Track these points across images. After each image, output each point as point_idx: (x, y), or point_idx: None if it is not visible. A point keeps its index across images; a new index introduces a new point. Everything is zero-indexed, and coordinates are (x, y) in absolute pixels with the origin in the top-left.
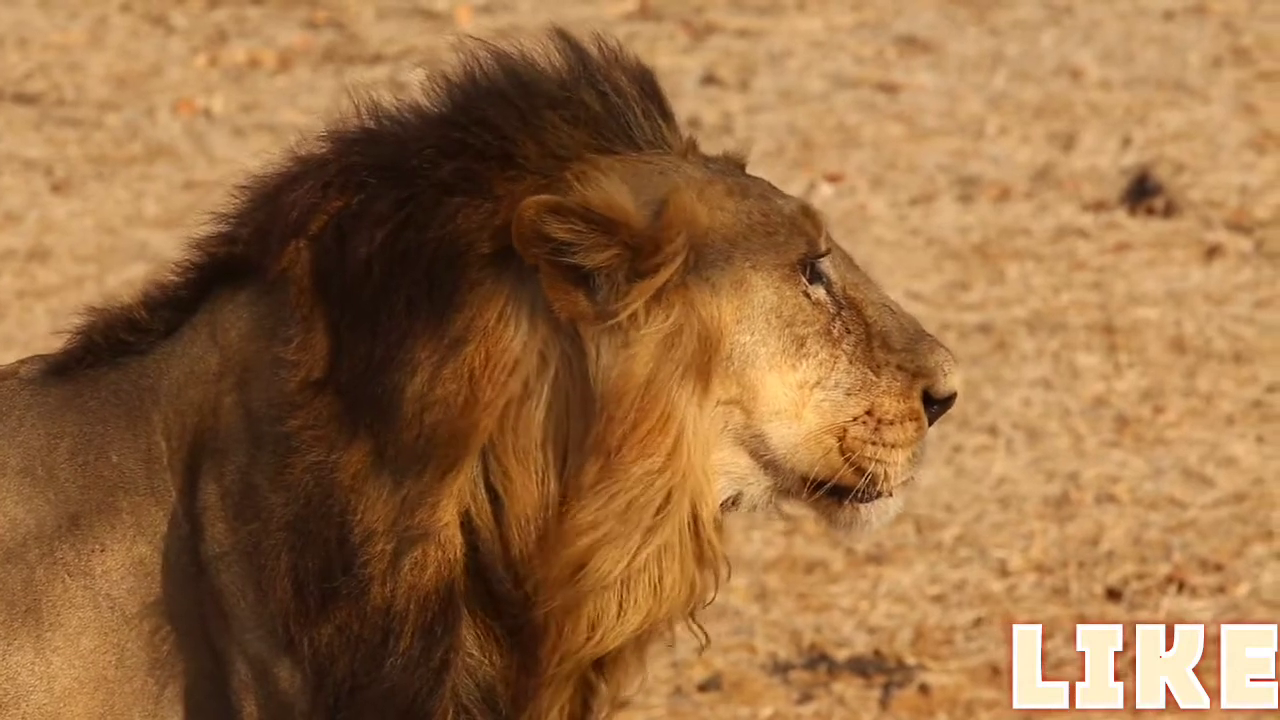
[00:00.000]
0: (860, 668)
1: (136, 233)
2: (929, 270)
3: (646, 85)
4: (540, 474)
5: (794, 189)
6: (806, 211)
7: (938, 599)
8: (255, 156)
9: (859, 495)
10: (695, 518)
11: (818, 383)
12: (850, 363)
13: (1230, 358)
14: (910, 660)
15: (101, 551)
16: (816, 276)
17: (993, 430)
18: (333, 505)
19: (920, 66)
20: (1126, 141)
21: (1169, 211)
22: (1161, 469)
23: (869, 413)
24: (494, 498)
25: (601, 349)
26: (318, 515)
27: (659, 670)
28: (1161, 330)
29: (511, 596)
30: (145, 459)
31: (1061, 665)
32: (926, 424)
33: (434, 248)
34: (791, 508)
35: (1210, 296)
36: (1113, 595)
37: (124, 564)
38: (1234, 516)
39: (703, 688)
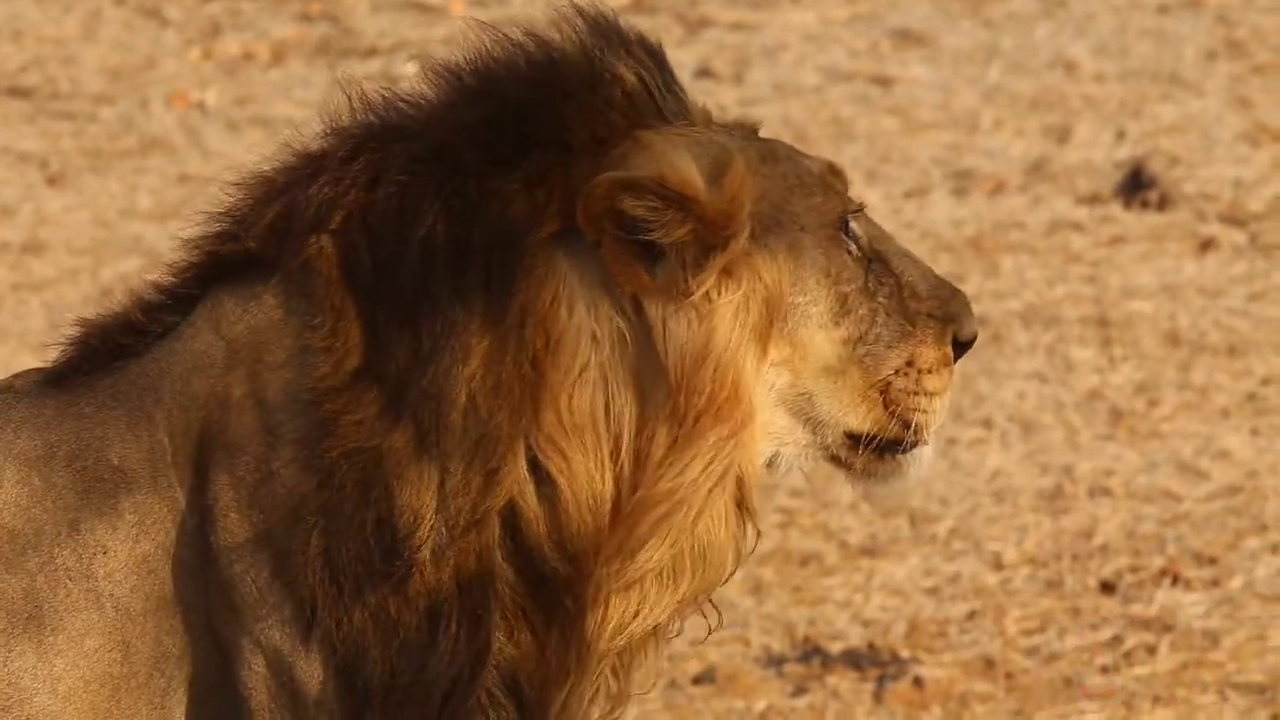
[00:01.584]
0: (854, 661)
1: (131, 226)
2: None
3: (659, 58)
4: (596, 451)
5: None
6: (834, 169)
7: (932, 592)
8: (249, 150)
9: (903, 447)
10: (741, 480)
11: (860, 337)
12: (888, 315)
13: (1224, 351)
14: (904, 653)
15: (104, 554)
16: (850, 234)
17: (987, 423)
18: (372, 490)
19: (915, 60)
20: (1121, 135)
21: (1163, 205)
22: (1156, 462)
23: (909, 363)
24: (541, 479)
25: (670, 322)
26: (355, 499)
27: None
28: (1156, 323)
29: (558, 575)
30: (148, 457)
31: (1055, 659)
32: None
33: (486, 237)
34: (822, 465)
35: (1204, 290)
36: (1107, 588)
37: (127, 564)
38: (1228, 509)
39: (697, 680)
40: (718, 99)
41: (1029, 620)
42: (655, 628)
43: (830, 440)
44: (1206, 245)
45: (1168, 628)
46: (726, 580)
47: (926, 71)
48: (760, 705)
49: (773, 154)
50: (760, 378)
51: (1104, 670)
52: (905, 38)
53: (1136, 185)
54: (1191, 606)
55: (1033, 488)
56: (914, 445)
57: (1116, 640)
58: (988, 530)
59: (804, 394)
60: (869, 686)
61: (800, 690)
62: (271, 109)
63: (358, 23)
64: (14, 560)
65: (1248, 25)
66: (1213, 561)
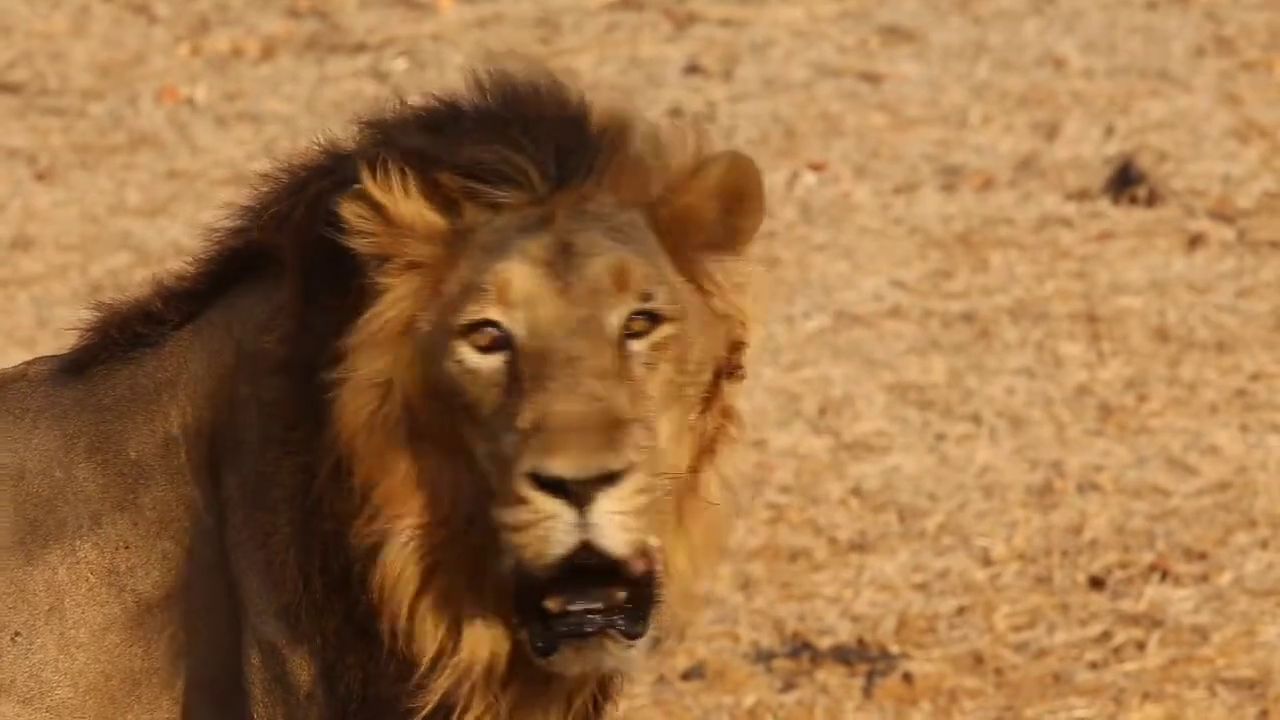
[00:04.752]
0: (843, 656)
1: (120, 221)
2: (913, 259)
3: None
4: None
5: (778, 178)
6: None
7: (921, 587)
8: (239, 145)
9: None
10: None
11: None
12: None
13: (1213, 347)
14: (893, 649)
15: (125, 549)
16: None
17: (976, 419)
18: (321, 503)
19: (903, 56)
20: (1109, 131)
21: (1152, 201)
22: (1145, 458)
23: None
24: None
25: None
26: (314, 510)
27: None
28: (1145, 319)
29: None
30: (165, 453)
31: (1044, 654)
32: None
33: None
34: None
35: (1193, 286)
36: (1096, 584)
37: (148, 559)
38: (1217, 505)
39: (685, 676)
40: (706, 95)
41: (1018, 616)
42: None
43: None
44: (1195, 241)
45: (1157, 623)
46: None
47: (915, 68)
48: (749, 700)
49: None
50: None
51: (1093, 666)
52: (894, 34)
53: (1125, 181)
54: (1181, 602)
55: (1022, 483)
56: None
57: (1106, 636)
58: (977, 526)
59: None
60: (858, 682)
61: (789, 686)
62: (261, 105)
63: (347, 19)
64: (36, 553)
65: (1236, 22)
66: (1202, 557)
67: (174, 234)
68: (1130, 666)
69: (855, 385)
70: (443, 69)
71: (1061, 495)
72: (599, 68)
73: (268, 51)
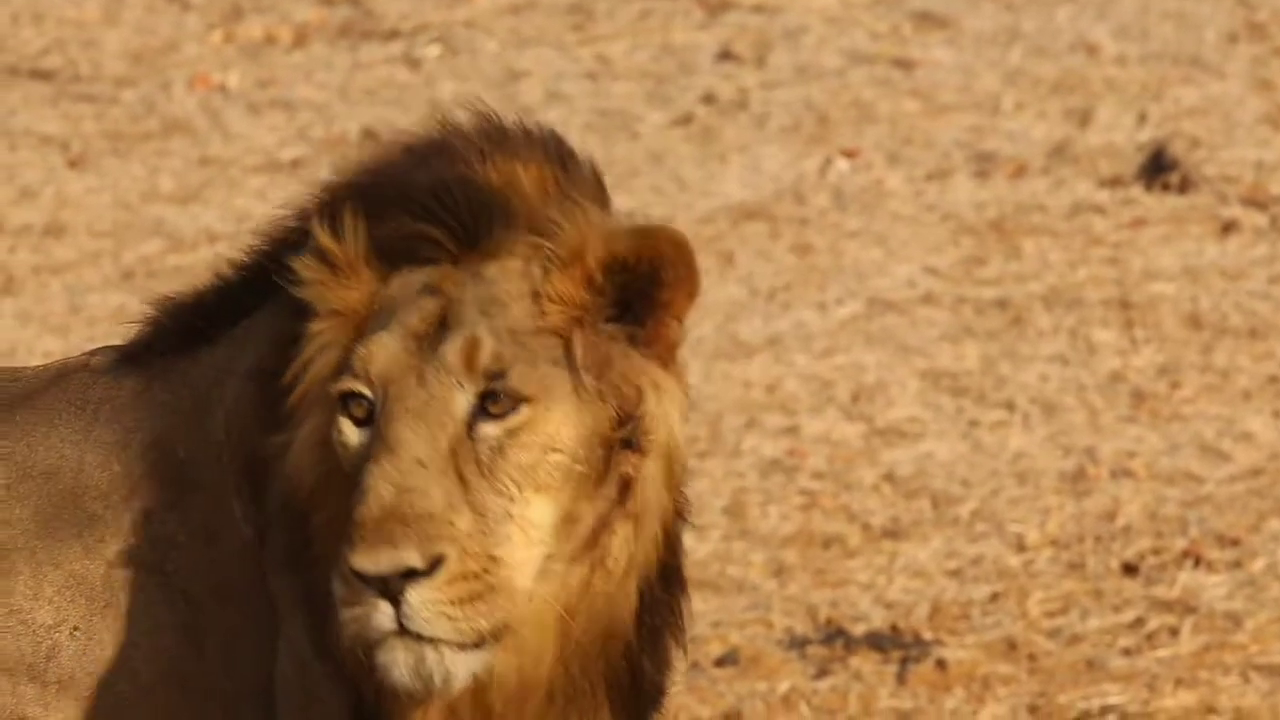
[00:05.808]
0: (877, 643)
1: (152, 208)
2: (945, 246)
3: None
4: None
5: (810, 165)
6: None
7: (954, 574)
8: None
9: None
10: None
11: None
12: None
13: (1246, 333)
14: (927, 635)
15: (176, 549)
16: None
17: (1009, 405)
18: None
19: (936, 42)
20: (1142, 117)
21: (1185, 187)
22: (1178, 444)
23: None
24: None
25: None
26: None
27: None
28: (1178, 306)
29: None
30: (211, 459)
31: (1077, 641)
32: None
33: None
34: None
35: (1226, 272)
36: (1129, 570)
37: (196, 562)
38: (1250, 491)
39: (719, 663)
40: (739, 82)
41: (1051, 602)
42: None
43: None
44: (1228, 228)
45: (1190, 610)
46: None
47: (948, 54)
48: (783, 687)
49: None
50: None
51: (1126, 652)
52: (927, 20)
53: (1158, 168)
54: (1214, 588)
55: (1055, 470)
56: None
57: (1139, 622)
58: (1010, 512)
59: None
60: (891, 668)
61: (823, 672)
62: (293, 92)
63: (380, 5)
64: (94, 547)
65: (1269, 8)
66: (1235, 543)
67: (206, 221)
68: (1163, 653)
69: (888, 372)
70: (475, 56)
71: (1095, 482)
72: (631, 54)
73: (300, 38)
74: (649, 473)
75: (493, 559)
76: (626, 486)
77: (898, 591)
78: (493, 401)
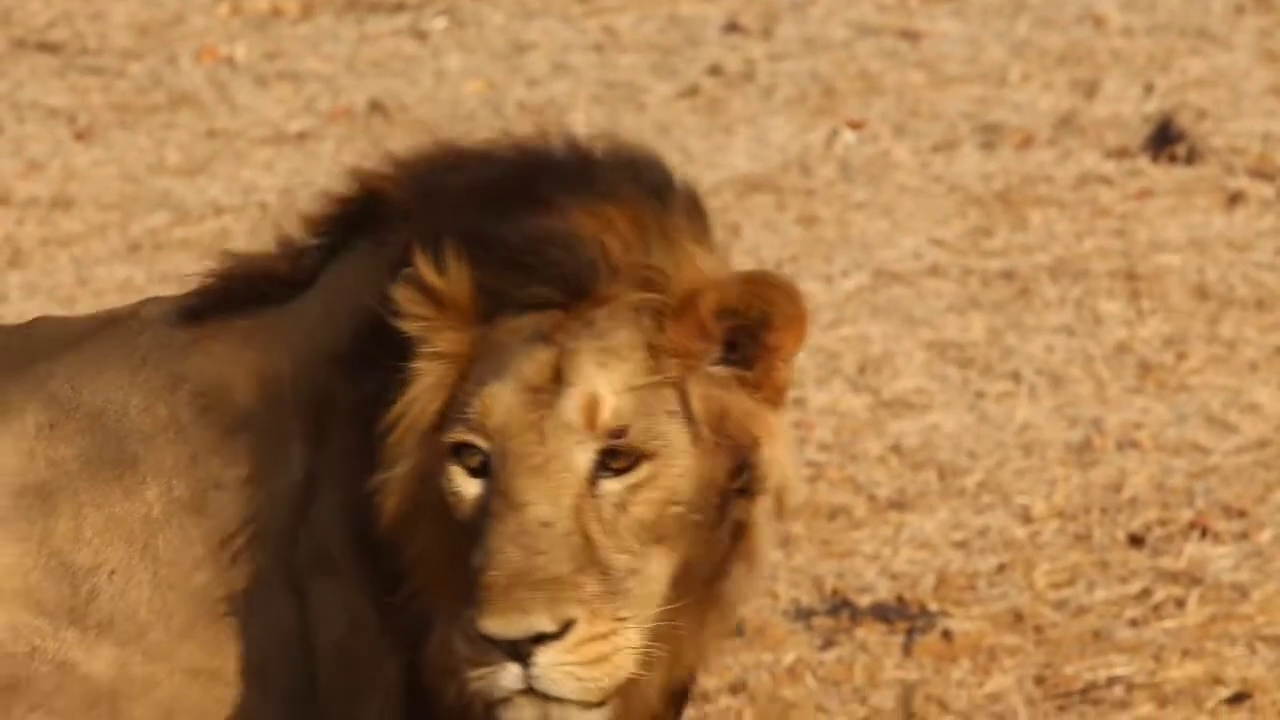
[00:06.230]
0: (883, 614)
1: (159, 181)
2: (952, 217)
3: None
4: None
5: (816, 136)
6: None
7: (960, 545)
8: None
9: None
10: None
11: None
12: None
13: (1253, 304)
14: (933, 606)
15: (217, 489)
16: None
17: (1015, 376)
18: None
19: (943, 13)
20: (1149, 88)
21: (1191, 158)
22: (1184, 415)
23: None
24: None
25: None
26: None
27: None
28: (1184, 277)
29: None
30: (271, 408)
31: (1083, 612)
32: None
33: None
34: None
35: (1232, 243)
36: (1135, 542)
37: (237, 501)
38: (1257, 462)
39: None
40: (746, 54)
41: (1057, 574)
42: None
43: None
44: (1235, 199)
45: (1196, 581)
46: None
47: (955, 25)
48: (789, 658)
49: None
50: None
51: (1133, 623)
52: None
53: (1165, 139)
54: (1220, 559)
55: (1061, 441)
56: None
57: (1145, 593)
58: (1016, 483)
59: None
60: (898, 639)
61: (829, 643)
62: (300, 64)
63: None
64: (134, 488)
65: None
66: (1241, 514)
67: (213, 193)
68: (1170, 624)
69: (894, 343)
70: (482, 27)
71: (1101, 453)
72: (638, 26)
73: (307, 10)
74: (762, 514)
75: (619, 619)
76: (740, 529)
77: (904, 563)
78: (614, 459)
